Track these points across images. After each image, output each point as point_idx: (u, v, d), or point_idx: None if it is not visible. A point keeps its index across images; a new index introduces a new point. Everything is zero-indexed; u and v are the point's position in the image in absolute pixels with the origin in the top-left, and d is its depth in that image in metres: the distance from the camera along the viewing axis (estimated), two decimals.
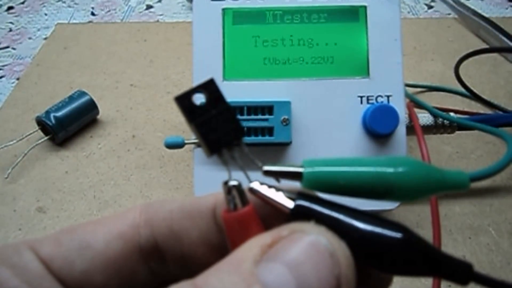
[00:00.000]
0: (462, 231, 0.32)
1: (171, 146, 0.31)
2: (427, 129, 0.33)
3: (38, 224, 0.34)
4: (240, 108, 0.29)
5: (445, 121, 0.33)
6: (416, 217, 0.33)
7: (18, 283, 0.12)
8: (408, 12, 0.56)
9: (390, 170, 0.13)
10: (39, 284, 0.13)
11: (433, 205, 0.27)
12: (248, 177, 0.13)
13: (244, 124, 0.29)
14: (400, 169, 0.13)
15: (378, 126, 0.29)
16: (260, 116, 0.29)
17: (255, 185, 0.13)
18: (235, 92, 0.29)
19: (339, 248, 0.11)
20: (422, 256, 0.12)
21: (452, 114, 0.33)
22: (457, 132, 0.34)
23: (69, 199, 0.35)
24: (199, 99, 0.13)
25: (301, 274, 0.11)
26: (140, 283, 0.14)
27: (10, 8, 0.59)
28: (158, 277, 0.15)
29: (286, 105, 0.29)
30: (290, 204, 0.13)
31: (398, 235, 0.12)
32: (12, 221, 0.34)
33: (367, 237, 0.12)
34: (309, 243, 0.11)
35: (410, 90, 0.42)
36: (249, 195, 0.13)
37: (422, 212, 0.33)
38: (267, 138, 0.29)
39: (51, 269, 0.13)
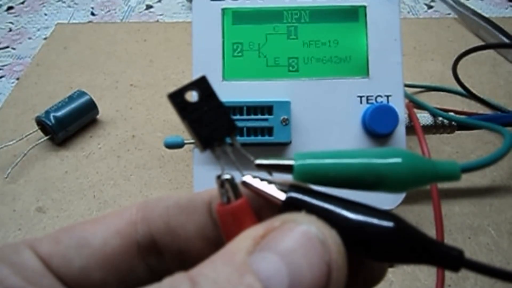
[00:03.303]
0: (462, 231, 0.32)
1: (170, 146, 0.31)
2: (427, 129, 0.33)
3: (37, 224, 0.34)
4: (239, 108, 0.29)
5: (444, 121, 0.33)
6: (416, 217, 0.33)
7: (17, 281, 0.12)
8: (408, 12, 0.56)
9: (380, 161, 0.13)
10: (38, 281, 0.13)
11: (436, 205, 0.27)
12: (241, 171, 0.14)
13: (244, 124, 0.29)
14: (390, 160, 0.13)
15: (378, 126, 0.29)
16: (259, 116, 0.29)
17: (248, 178, 0.13)
18: (235, 92, 0.30)
19: (330, 235, 0.12)
20: (413, 244, 0.12)
21: (451, 114, 0.33)
22: (457, 132, 0.34)
23: (69, 199, 0.35)
24: (191, 96, 0.14)
25: (292, 262, 0.11)
26: (138, 278, 0.14)
27: (10, 8, 0.59)
28: (156, 272, 0.15)
29: (286, 105, 0.29)
30: (282, 196, 0.13)
31: (389, 224, 0.12)
32: (12, 221, 0.34)
33: (359, 226, 0.12)
34: (299, 232, 0.12)
35: (410, 90, 0.42)
36: (242, 189, 0.14)
37: (422, 212, 0.33)
38: (266, 138, 0.29)
39: (50, 267, 0.13)
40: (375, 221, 0.12)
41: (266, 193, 0.13)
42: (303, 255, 0.11)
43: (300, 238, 0.11)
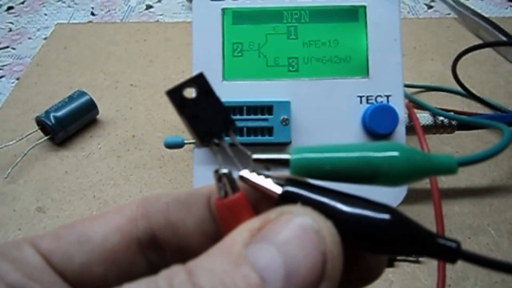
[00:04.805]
0: (462, 231, 0.32)
1: (170, 146, 0.31)
2: (427, 129, 0.33)
3: (37, 224, 0.34)
4: (239, 108, 0.29)
5: (445, 120, 0.33)
6: (416, 217, 0.32)
7: (18, 277, 0.13)
8: (408, 12, 0.56)
9: (377, 154, 0.13)
10: (39, 277, 0.13)
11: (436, 205, 0.27)
12: (238, 166, 0.14)
13: (244, 124, 0.29)
14: (386, 154, 0.13)
15: (378, 126, 0.29)
16: (259, 116, 0.29)
17: (245, 172, 0.14)
18: (235, 92, 0.30)
19: (325, 226, 0.12)
20: (410, 236, 0.12)
21: (452, 114, 0.33)
22: (457, 132, 0.34)
23: (69, 199, 0.35)
24: (189, 92, 0.14)
25: (288, 252, 0.11)
26: (138, 274, 0.14)
27: (10, 8, 0.59)
28: (156, 268, 0.15)
29: (286, 105, 0.29)
30: (278, 189, 0.13)
31: (385, 216, 0.12)
32: (12, 221, 0.34)
33: (355, 219, 0.12)
34: (295, 223, 0.12)
35: (410, 90, 0.42)
36: (239, 183, 0.14)
37: (422, 212, 0.33)
38: (266, 138, 0.29)
39: (51, 263, 0.14)
40: (371, 213, 0.12)
41: (263, 187, 0.13)
42: (298, 246, 0.11)
43: (295, 229, 0.12)
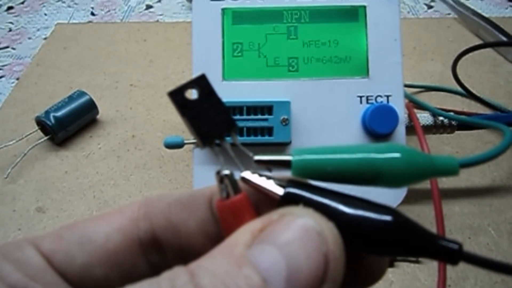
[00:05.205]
0: (462, 231, 0.32)
1: (170, 146, 0.31)
2: (427, 129, 0.33)
3: (37, 224, 0.34)
4: (239, 108, 0.29)
5: (445, 120, 0.33)
6: (416, 217, 0.33)
7: (20, 277, 0.13)
8: (408, 12, 0.56)
9: (379, 156, 0.13)
10: (40, 278, 0.13)
11: (437, 205, 0.27)
12: (240, 167, 0.14)
13: (244, 124, 0.29)
14: (388, 155, 0.13)
15: (378, 126, 0.29)
16: (259, 116, 0.29)
17: (247, 174, 0.14)
18: (235, 92, 0.30)
19: (327, 227, 0.12)
20: (411, 237, 0.12)
21: (452, 114, 0.33)
22: (457, 132, 0.34)
23: (69, 199, 0.35)
24: (191, 94, 0.14)
25: (290, 254, 0.11)
26: (140, 275, 0.14)
27: (10, 8, 0.59)
28: (157, 269, 0.15)
29: (286, 105, 0.29)
30: (280, 191, 0.13)
31: (387, 217, 0.12)
32: (12, 221, 0.34)
33: (357, 220, 0.12)
34: (297, 224, 0.12)
35: (410, 90, 0.42)
36: (241, 184, 0.14)
37: (422, 212, 0.33)
38: (266, 138, 0.29)
39: (52, 263, 0.13)
40: (372, 215, 0.12)
41: (265, 188, 0.13)
42: (300, 247, 0.11)
43: (297, 230, 0.12)
